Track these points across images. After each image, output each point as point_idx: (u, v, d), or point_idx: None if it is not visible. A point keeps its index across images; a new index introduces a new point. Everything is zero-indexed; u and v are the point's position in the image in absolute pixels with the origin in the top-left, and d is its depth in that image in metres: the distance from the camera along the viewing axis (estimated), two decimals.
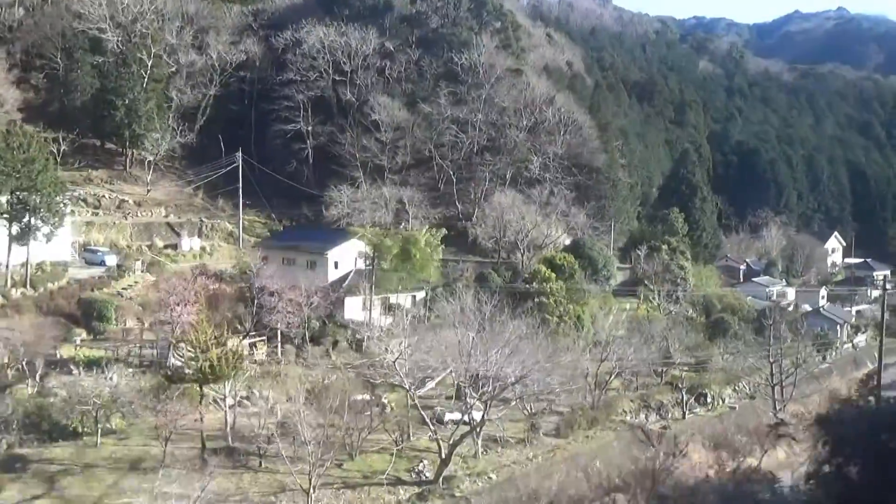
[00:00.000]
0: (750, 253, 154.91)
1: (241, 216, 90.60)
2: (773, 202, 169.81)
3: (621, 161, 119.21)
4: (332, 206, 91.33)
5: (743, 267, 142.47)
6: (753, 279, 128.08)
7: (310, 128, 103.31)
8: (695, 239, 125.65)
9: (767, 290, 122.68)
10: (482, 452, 46.84)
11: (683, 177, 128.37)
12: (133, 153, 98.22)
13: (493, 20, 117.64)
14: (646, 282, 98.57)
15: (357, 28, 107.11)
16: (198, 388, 41.83)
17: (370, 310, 63.71)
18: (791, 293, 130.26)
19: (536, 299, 70.43)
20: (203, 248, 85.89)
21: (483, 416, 42.26)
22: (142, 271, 74.07)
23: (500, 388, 42.85)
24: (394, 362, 42.18)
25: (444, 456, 40.55)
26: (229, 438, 41.90)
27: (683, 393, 67.33)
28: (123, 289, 69.26)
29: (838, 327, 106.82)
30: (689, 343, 76.22)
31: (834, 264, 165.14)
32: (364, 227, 73.38)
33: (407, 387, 41.97)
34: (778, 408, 66.40)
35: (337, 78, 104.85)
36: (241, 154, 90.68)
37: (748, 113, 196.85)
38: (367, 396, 48.91)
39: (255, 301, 55.57)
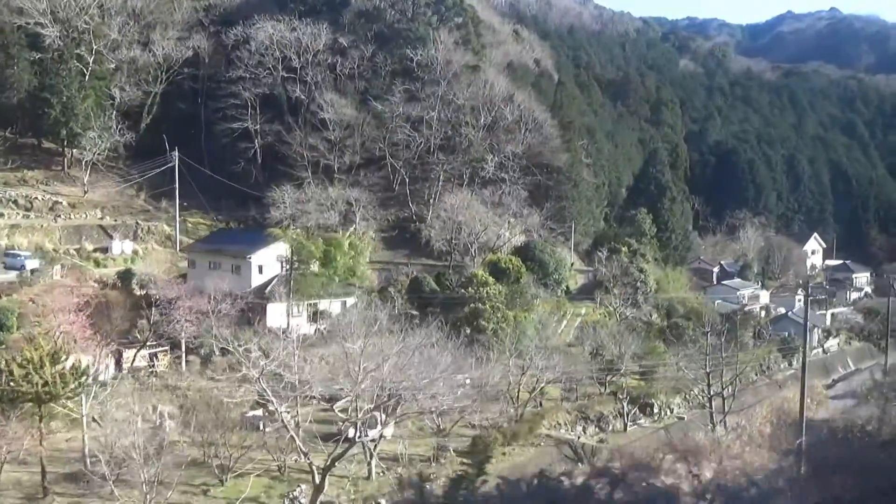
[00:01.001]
0: (726, 255, 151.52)
1: (177, 218, 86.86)
2: (752, 203, 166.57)
3: (586, 161, 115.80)
4: (274, 207, 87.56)
5: (716, 269, 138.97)
6: (723, 282, 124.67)
7: (257, 126, 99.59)
8: (664, 240, 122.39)
9: (738, 293, 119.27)
10: (378, 474, 43.18)
11: (652, 177, 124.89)
12: (72, 153, 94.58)
13: (453, 15, 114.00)
14: (606, 285, 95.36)
15: (310, 23, 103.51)
16: (58, 407, 38.22)
17: (289, 317, 60.04)
18: (765, 296, 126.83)
19: (472, 305, 66.76)
20: (135, 252, 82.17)
21: (355, 435, 38.44)
22: (61, 276, 70.34)
23: (378, 405, 39.14)
24: (258, 378, 38.48)
25: (317, 481, 36.80)
26: (87, 461, 38.27)
27: (624, 403, 63.78)
28: (36, 295, 65.57)
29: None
30: (638, 350, 72.67)
31: (814, 266, 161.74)
32: (285, 229, 69.52)
33: (275, 405, 38.17)
34: (717, 420, 62.60)
35: (286, 75, 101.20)
36: (177, 153, 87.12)
37: (728, 112, 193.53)
38: (260, 412, 45.26)
39: (153, 309, 51.91)
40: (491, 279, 69.49)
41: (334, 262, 63.38)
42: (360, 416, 39.78)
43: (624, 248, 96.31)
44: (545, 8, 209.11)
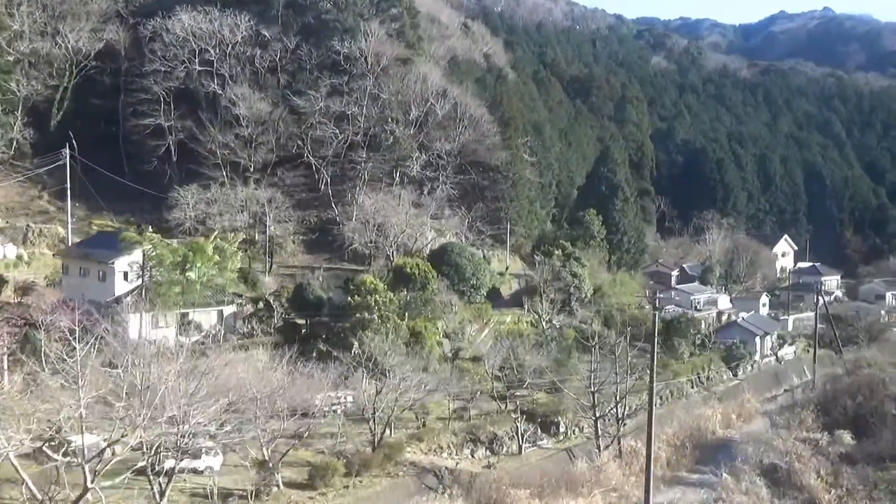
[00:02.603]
0: (690, 257, 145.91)
1: (68, 220, 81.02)
2: (720, 204, 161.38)
3: (531, 159, 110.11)
4: (178, 208, 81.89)
5: (675, 273, 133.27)
6: (677, 286, 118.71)
7: (171, 123, 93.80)
8: (614, 243, 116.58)
9: (692, 297, 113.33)
10: None
11: (604, 176, 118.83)
12: None
13: (388, 7, 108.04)
14: (540, 291, 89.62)
15: (232, 14, 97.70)
16: None
17: (141, 328, 54.27)
18: (724, 301, 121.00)
19: (357, 315, 60.86)
20: (19, 257, 76.39)
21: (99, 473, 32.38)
22: None
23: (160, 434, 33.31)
24: None
25: None
26: None
27: (519, 423, 57.82)
28: None
29: (757, 339, 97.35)
30: (549, 362, 66.68)
31: (783, 269, 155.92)
32: (142, 232, 63.57)
33: (3, 441, 32.12)
34: (605, 445, 56.51)
35: (201, 68, 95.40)
36: (69, 151, 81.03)
37: (699, 111, 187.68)
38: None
39: None
40: (381, 286, 63.56)
41: (196, 269, 57.59)
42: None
43: (557, 251, 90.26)
44: (513, 4, 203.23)
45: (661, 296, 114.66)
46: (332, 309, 64.46)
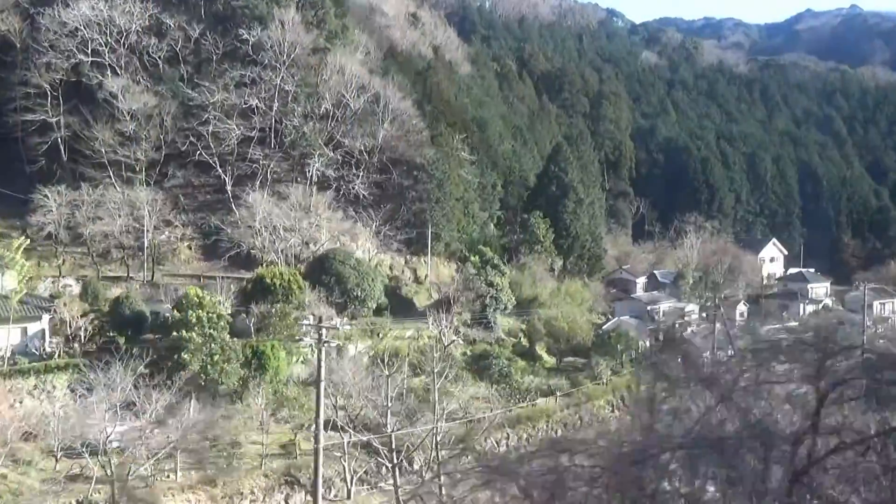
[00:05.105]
0: (666, 263, 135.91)
1: None
2: (705, 206, 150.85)
3: (470, 157, 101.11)
4: (39, 211, 74.14)
5: (642, 280, 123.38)
6: (632, 295, 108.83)
7: (59, 118, 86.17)
8: (565, 248, 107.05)
9: (649, 307, 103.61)
10: None
11: (554, 175, 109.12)
12: None
13: None
14: (454, 300, 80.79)
15: (134, 1, 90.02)
16: None
17: None
18: (693, 310, 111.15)
19: (175, 333, 52.37)
20: None
21: None
22: None
23: None
24: None
25: None
26: None
27: (345, 461, 48.83)
28: None
29: (705, 354, 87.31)
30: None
31: (771, 276, 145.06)
32: None
33: None
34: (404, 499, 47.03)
35: (93, 59, 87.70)
36: None
37: (688, 108, 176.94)
38: None
39: None
40: (208, 299, 55.06)
41: None
42: None
43: (473, 258, 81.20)
44: None
45: (615, 305, 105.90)
46: (159, 325, 56.02)
